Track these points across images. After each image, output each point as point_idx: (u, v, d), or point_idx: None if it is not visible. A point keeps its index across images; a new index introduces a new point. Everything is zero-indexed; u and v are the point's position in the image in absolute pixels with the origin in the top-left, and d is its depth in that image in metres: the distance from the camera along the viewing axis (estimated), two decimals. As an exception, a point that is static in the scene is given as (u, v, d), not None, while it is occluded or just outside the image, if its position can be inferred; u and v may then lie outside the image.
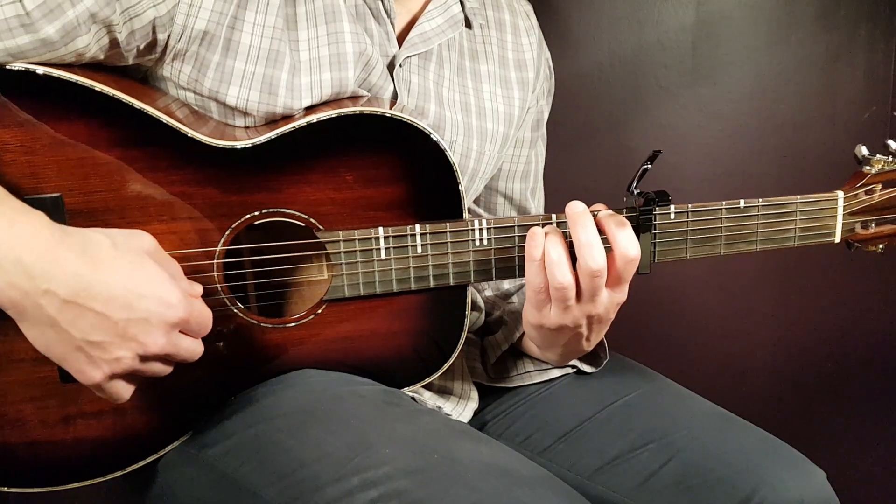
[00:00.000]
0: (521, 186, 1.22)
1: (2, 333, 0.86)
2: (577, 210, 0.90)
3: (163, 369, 0.84)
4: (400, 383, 0.98)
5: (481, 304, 1.21)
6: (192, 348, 0.85)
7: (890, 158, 1.02)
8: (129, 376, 0.82)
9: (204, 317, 0.85)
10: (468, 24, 1.10)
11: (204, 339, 0.86)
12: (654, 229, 0.97)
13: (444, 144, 0.92)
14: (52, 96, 0.83)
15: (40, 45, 0.81)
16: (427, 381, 1.00)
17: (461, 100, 1.08)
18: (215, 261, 0.90)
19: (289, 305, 0.97)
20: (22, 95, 0.82)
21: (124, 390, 0.83)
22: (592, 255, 0.88)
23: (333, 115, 0.89)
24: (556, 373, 1.11)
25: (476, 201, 1.22)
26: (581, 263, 0.89)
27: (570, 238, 0.90)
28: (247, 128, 0.94)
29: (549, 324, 0.93)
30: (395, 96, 1.01)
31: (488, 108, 1.10)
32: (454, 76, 1.08)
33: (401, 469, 0.79)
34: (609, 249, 0.90)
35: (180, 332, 0.83)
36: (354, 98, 0.97)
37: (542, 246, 0.90)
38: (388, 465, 0.80)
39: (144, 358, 0.81)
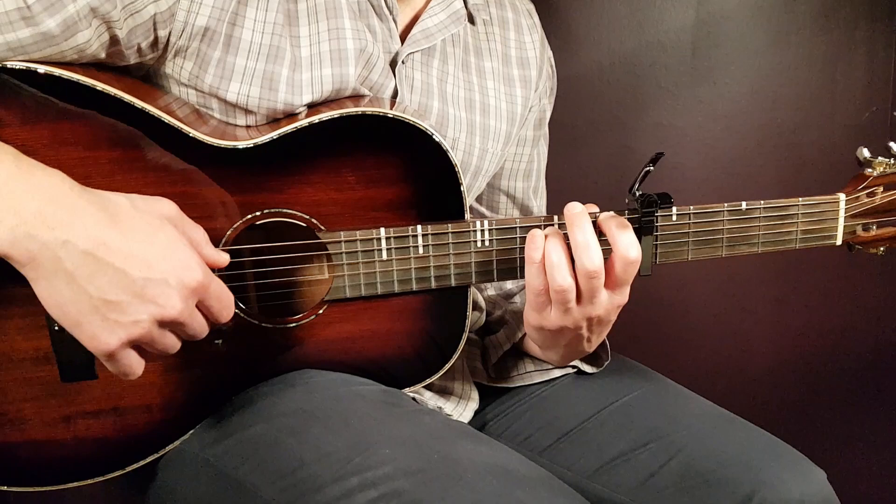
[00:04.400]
0: (523, 185, 1.22)
1: (2, 333, 0.86)
2: (574, 211, 0.90)
3: (173, 344, 0.81)
4: (401, 383, 0.98)
5: (482, 303, 1.21)
6: (202, 325, 0.82)
7: (892, 161, 1.02)
8: (142, 348, 0.80)
9: (224, 293, 0.83)
10: (471, 20, 1.10)
11: (205, 339, 0.85)
12: (656, 231, 0.97)
13: (447, 145, 0.92)
14: (53, 95, 0.83)
15: (41, 38, 0.81)
16: (428, 381, 1.00)
17: (465, 96, 1.08)
18: (216, 260, 0.90)
19: (290, 305, 0.97)
20: (23, 94, 0.82)
21: (137, 364, 0.80)
22: (589, 255, 0.88)
23: (335, 116, 0.89)
24: (557, 373, 1.11)
25: (478, 200, 1.22)
26: (578, 264, 0.89)
27: None
28: (248, 127, 0.94)
29: (550, 325, 0.93)
30: (395, 93, 1.01)
31: (492, 105, 1.10)
32: (458, 72, 1.08)
33: (401, 469, 0.79)
34: (610, 251, 0.90)
35: (196, 307, 0.81)
36: (356, 98, 0.97)
37: (542, 248, 0.90)
38: (388, 465, 0.80)
39: (162, 323, 0.78)
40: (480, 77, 1.10)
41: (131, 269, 0.75)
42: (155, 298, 0.77)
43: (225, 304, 0.83)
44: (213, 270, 0.84)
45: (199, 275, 0.79)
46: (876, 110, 1.78)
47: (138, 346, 0.79)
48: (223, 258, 0.85)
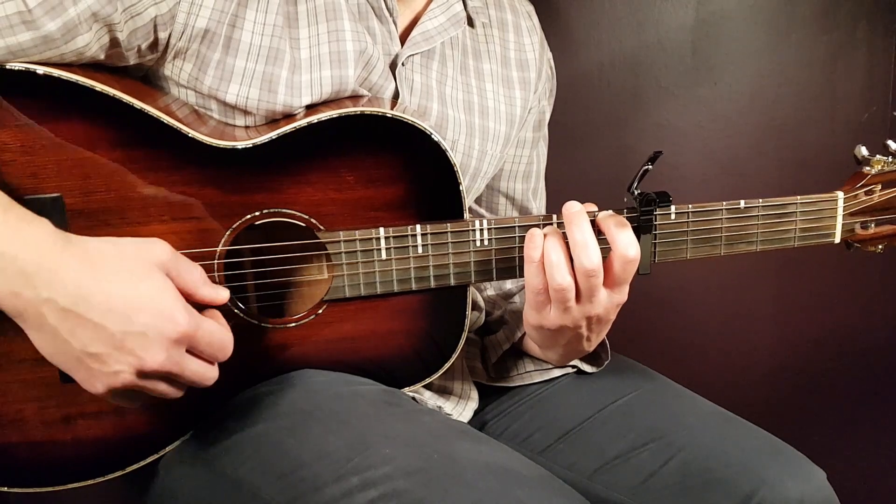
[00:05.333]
0: (522, 186, 1.22)
1: (2, 333, 0.86)
2: (572, 210, 0.90)
3: (169, 390, 0.82)
4: (400, 383, 0.98)
5: (482, 303, 1.21)
6: (201, 371, 0.81)
7: (890, 159, 1.02)
8: (132, 392, 0.81)
9: (216, 337, 0.81)
10: (471, 23, 1.10)
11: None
12: (655, 230, 0.97)
13: (446, 145, 0.92)
14: (53, 96, 0.83)
15: (41, 42, 0.81)
16: (427, 381, 1.00)
17: (464, 98, 1.08)
18: (216, 261, 0.90)
19: (289, 305, 0.97)
20: (22, 95, 0.82)
21: (129, 403, 0.82)
22: (588, 254, 0.88)
23: (334, 116, 0.89)
24: (557, 372, 1.11)
25: (478, 201, 1.22)
26: (576, 263, 0.89)
27: None
28: (247, 127, 0.94)
29: (549, 325, 0.93)
30: (396, 95, 1.01)
31: (491, 108, 1.10)
32: (457, 74, 1.08)
33: (401, 469, 0.79)
34: (609, 250, 0.90)
35: (189, 352, 0.80)
36: (355, 98, 0.97)
37: (541, 247, 0.90)
38: (388, 464, 0.80)
39: (143, 374, 0.78)
40: (479, 79, 1.10)
41: (109, 323, 0.76)
42: (133, 350, 0.77)
43: (218, 346, 0.82)
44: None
45: (181, 326, 0.78)
46: (875, 110, 1.78)
47: (129, 390, 0.80)
48: (222, 296, 0.84)
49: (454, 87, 1.07)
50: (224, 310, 0.90)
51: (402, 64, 1.02)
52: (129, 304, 0.76)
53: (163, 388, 0.81)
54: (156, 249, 0.81)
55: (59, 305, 0.75)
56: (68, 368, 0.79)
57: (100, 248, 0.78)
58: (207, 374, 0.82)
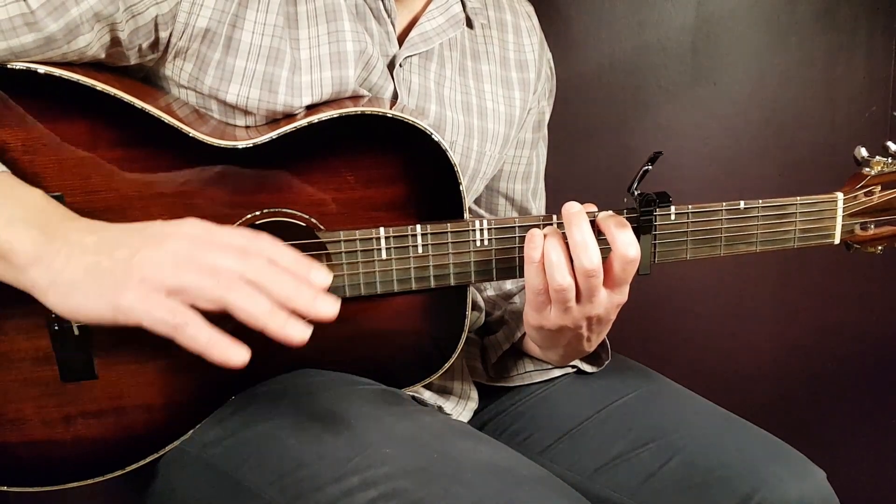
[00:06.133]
0: (522, 187, 1.22)
1: (2, 333, 0.86)
2: (572, 210, 0.90)
3: (243, 286, 0.72)
4: (400, 383, 0.98)
5: (481, 303, 1.21)
6: (290, 274, 0.73)
7: (889, 160, 1.02)
8: (198, 277, 0.72)
9: (286, 257, 0.74)
10: (469, 24, 1.10)
11: None
12: (655, 230, 0.97)
13: (446, 144, 0.92)
14: (54, 95, 0.83)
15: (44, 42, 0.81)
16: (427, 381, 1.00)
17: (462, 100, 1.08)
18: (216, 260, 0.90)
19: (289, 305, 0.97)
20: (23, 94, 0.82)
21: (204, 294, 0.72)
22: (588, 254, 0.88)
23: (335, 115, 0.89)
24: (557, 372, 1.11)
25: (477, 202, 1.22)
26: (576, 263, 0.89)
27: None
28: (248, 127, 0.94)
29: (550, 325, 0.93)
30: (395, 96, 1.01)
31: (489, 109, 1.10)
32: (455, 76, 1.08)
33: (401, 468, 0.79)
34: (609, 251, 0.90)
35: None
36: (355, 98, 0.97)
37: (541, 247, 0.90)
38: (388, 464, 0.80)
39: (196, 241, 0.73)
40: (478, 81, 1.10)
41: (134, 230, 0.77)
42: (168, 224, 0.76)
43: (293, 263, 0.74)
44: None
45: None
46: (875, 110, 1.78)
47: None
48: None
49: (452, 89, 1.07)
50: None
51: (400, 65, 1.02)
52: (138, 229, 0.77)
53: (236, 272, 0.71)
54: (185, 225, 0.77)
55: (85, 241, 0.75)
56: (116, 294, 0.71)
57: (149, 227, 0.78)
58: (301, 273, 0.73)
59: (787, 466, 0.96)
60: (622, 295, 0.93)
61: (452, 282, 0.96)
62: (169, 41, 0.89)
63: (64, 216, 0.79)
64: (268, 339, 0.93)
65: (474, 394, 1.11)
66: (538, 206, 1.26)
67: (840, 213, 1.02)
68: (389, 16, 1.01)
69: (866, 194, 1.03)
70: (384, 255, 0.93)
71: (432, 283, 0.95)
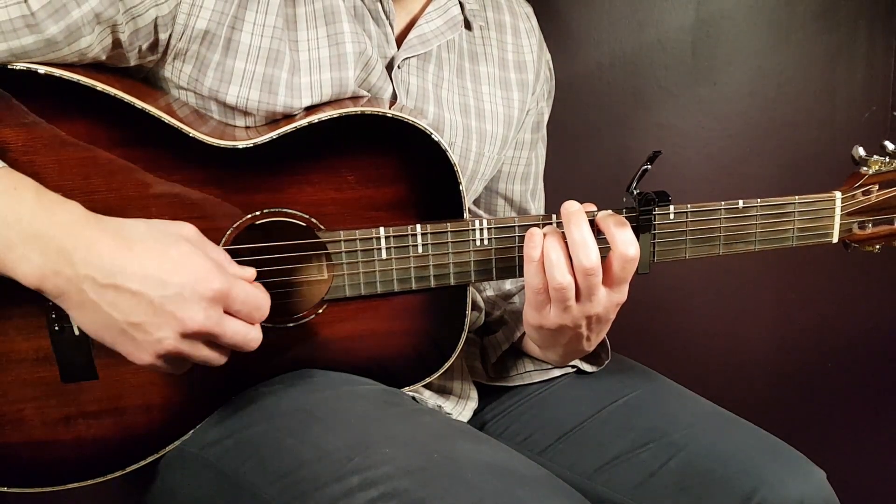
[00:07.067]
0: (521, 188, 1.22)
1: (2, 333, 0.86)
2: (570, 209, 0.91)
3: (212, 354, 0.83)
4: (400, 383, 0.99)
5: (481, 303, 1.21)
6: (242, 331, 0.83)
7: (887, 159, 1.03)
8: (177, 358, 0.81)
9: (251, 296, 0.82)
10: (468, 26, 1.10)
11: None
12: (654, 229, 0.97)
13: (445, 144, 0.92)
14: (54, 96, 0.83)
15: (44, 45, 0.82)
16: (427, 380, 1.00)
17: (460, 101, 1.08)
18: (216, 261, 0.90)
19: (289, 305, 0.98)
20: (23, 95, 0.83)
21: (178, 369, 0.84)
22: (586, 253, 0.88)
23: (335, 116, 0.89)
24: (557, 372, 1.12)
25: (476, 203, 1.22)
26: (575, 262, 0.89)
27: None
28: (247, 128, 0.94)
29: (549, 324, 0.93)
30: (394, 97, 1.01)
31: (488, 110, 1.10)
32: (453, 78, 1.08)
33: (401, 468, 0.79)
34: (608, 249, 0.91)
35: (227, 313, 0.82)
36: (355, 98, 0.97)
37: (541, 246, 0.90)
38: (388, 464, 0.80)
39: (186, 335, 0.79)
40: (476, 82, 1.10)
41: (148, 290, 0.78)
42: (173, 313, 0.79)
43: (254, 305, 0.83)
44: None
45: (215, 283, 0.80)
46: (875, 110, 1.78)
47: (175, 357, 0.81)
48: (249, 273, 0.85)
49: (450, 91, 1.07)
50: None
51: (399, 67, 1.02)
52: (162, 269, 0.79)
53: (206, 352, 0.82)
54: (184, 228, 0.84)
55: (98, 280, 0.77)
56: (113, 342, 0.80)
57: (130, 224, 0.81)
58: (249, 334, 0.83)
59: (787, 466, 0.96)
60: (622, 294, 0.93)
61: (452, 281, 0.96)
62: (168, 43, 0.89)
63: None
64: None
65: (474, 394, 1.11)
66: (537, 207, 1.26)
67: (838, 212, 1.03)
68: (388, 17, 1.01)
69: (864, 193, 1.03)
70: (384, 255, 0.93)
71: (432, 283, 0.95)
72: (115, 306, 0.78)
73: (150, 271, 0.78)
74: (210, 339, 0.82)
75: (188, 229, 0.84)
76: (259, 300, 0.84)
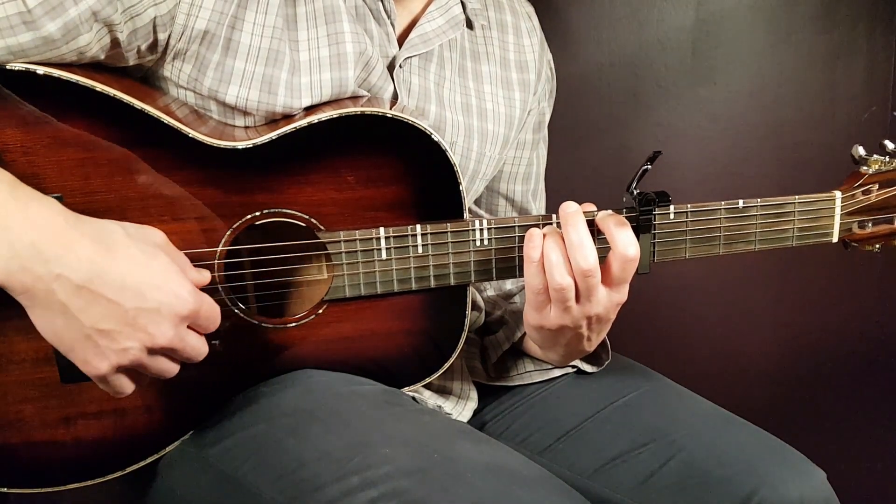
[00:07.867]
0: (522, 188, 1.22)
1: (1, 333, 0.86)
2: (568, 210, 0.91)
3: (167, 367, 0.83)
4: (400, 383, 0.99)
5: (481, 303, 1.21)
6: (198, 346, 0.84)
7: (887, 159, 1.03)
8: (134, 371, 0.82)
9: (213, 311, 0.85)
10: (469, 25, 1.10)
11: (206, 339, 0.86)
12: (654, 229, 0.97)
13: (445, 145, 0.92)
14: (53, 96, 0.83)
15: (42, 42, 0.81)
16: (427, 380, 1.00)
17: (462, 101, 1.08)
18: (216, 261, 0.90)
19: (289, 305, 0.98)
20: (22, 95, 0.82)
21: (127, 385, 0.83)
22: (584, 254, 0.88)
23: (335, 116, 0.89)
24: (557, 372, 1.11)
25: (477, 203, 1.22)
26: (573, 263, 0.89)
27: None
28: (247, 128, 0.94)
29: (550, 325, 0.93)
30: (395, 97, 1.01)
31: (489, 110, 1.10)
32: (455, 77, 1.08)
33: (401, 468, 0.79)
34: (608, 250, 0.90)
35: (188, 327, 0.83)
36: (355, 98, 0.97)
37: (541, 247, 0.90)
38: (388, 464, 0.80)
39: (152, 350, 0.80)
40: (478, 82, 1.10)
41: (124, 300, 0.77)
42: (146, 327, 0.79)
43: (213, 321, 0.85)
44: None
45: (190, 304, 0.81)
46: (875, 110, 1.78)
47: (132, 369, 0.81)
48: (205, 277, 0.87)
49: (452, 90, 1.07)
50: (224, 309, 0.90)
51: (400, 66, 1.02)
52: (142, 282, 0.78)
53: (164, 364, 0.83)
54: (154, 233, 0.85)
55: (72, 281, 0.75)
56: (71, 348, 0.79)
57: (108, 227, 0.80)
58: (202, 348, 0.85)
59: (787, 466, 0.96)
60: (622, 294, 0.93)
61: (452, 282, 0.96)
62: (168, 43, 0.89)
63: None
64: (266, 340, 0.93)
65: (474, 394, 1.11)
66: (538, 207, 1.26)
67: (838, 211, 1.03)
68: (389, 17, 1.01)
69: (864, 193, 1.03)
70: (384, 255, 0.93)
71: (432, 283, 0.95)
72: (85, 311, 0.76)
73: (130, 281, 0.78)
74: (170, 354, 0.82)
75: (160, 236, 0.84)
76: (217, 314, 0.86)
